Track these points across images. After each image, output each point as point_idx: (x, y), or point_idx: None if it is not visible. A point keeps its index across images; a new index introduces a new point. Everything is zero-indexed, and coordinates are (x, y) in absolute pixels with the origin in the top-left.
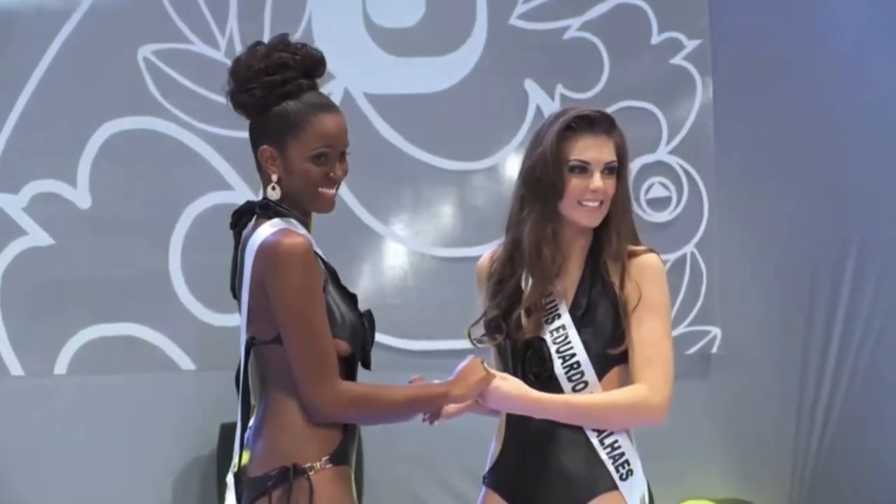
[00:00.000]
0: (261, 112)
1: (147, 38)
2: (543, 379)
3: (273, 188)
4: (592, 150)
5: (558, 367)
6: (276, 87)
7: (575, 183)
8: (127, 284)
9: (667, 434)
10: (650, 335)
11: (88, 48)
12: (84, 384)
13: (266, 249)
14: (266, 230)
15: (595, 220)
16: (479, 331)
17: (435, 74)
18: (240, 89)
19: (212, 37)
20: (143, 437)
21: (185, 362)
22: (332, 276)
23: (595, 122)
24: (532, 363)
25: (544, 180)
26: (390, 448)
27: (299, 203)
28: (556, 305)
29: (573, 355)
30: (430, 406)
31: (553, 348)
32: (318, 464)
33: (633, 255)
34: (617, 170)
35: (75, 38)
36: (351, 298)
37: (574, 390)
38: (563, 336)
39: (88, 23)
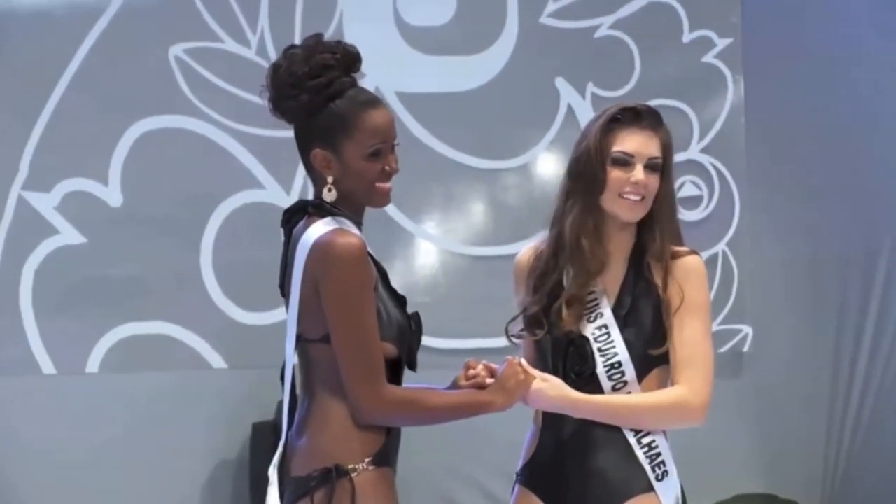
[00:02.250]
0: (309, 116)
1: (178, 36)
2: (585, 377)
3: (329, 189)
4: (636, 142)
5: (600, 367)
6: (322, 90)
7: (616, 175)
8: (158, 283)
9: (697, 432)
10: (691, 337)
11: (120, 47)
12: (116, 382)
13: (320, 248)
14: (320, 228)
15: (635, 216)
16: (517, 326)
17: (466, 73)
18: (285, 96)
19: (243, 35)
20: (175, 436)
21: (217, 360)
22: (383, 277)
23: (641, 116)
24: (574, 361)
25: (587, 172)
26: (416, 445)
27: (356, 201)
28: (597, 303)
29: (615, 354)
30: (475, 413)
31: (595, 346)
32: (360, 465)
33: (676, 256)
34: (662, 168)
35: (107, 37)
36: (400, 300)
37: (613, 389)
38: (606, 335)
39: (120, 21)
